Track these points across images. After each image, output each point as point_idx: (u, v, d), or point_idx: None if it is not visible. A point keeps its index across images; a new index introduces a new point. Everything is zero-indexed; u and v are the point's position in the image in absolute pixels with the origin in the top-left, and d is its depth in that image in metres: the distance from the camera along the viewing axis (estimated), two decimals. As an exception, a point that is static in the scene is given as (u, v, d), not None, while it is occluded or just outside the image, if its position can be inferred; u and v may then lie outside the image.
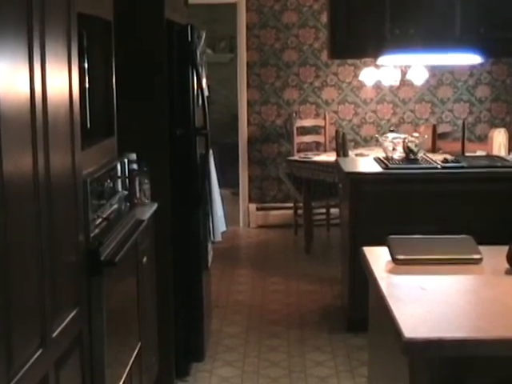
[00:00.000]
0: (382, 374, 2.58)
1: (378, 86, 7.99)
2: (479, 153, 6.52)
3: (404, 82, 7.92)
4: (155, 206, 3.81)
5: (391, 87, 8.03)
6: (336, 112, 8.10)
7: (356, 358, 4.56)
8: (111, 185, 3.20)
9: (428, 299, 2.23)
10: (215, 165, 5.15)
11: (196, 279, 4.30)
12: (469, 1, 5.33)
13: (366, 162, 5.58)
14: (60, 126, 2.44)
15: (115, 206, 3.23)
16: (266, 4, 7.99)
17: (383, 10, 5.37)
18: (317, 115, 8.08)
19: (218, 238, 4.85)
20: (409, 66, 7.65)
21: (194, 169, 4.19)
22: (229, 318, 5.32)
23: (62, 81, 2.48)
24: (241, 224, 8.19)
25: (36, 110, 2.17)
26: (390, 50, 5.41)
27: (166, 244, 4.02)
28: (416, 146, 5.22)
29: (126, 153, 3.58)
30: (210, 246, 4.63)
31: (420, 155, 5.24)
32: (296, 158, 7.20)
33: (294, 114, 7.93)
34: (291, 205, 7.69)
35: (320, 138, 7.97)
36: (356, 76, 8.00)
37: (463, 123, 6.85)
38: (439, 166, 5.04)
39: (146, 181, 3.77)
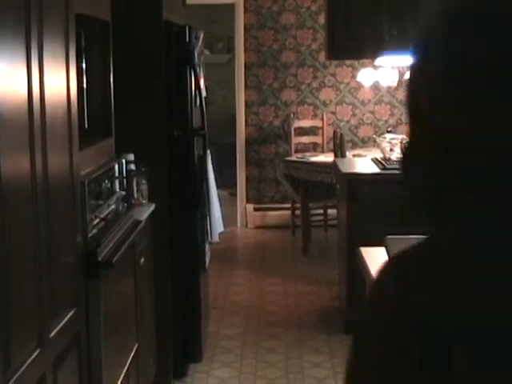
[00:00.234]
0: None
1: (375, 87, 7.99)
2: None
3: (402, 83, 7.92)
4: (153, 206, 3.81)
5: (389, 88, 8.03)
6: (334, 113, 8.10)
7: (354, 359, 4.55)
8: (109, 185, 3.20)
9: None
10: (213, 165, 5.14)
11: (194, 281, 4.29)
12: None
13: (363, 163, 5.58)
14: (58, 126, 2.44)
15: (113, 207, 3.23)
16: (263, 5, 7.98)
17: (381, 11, 5.37)
18: (314, 116, 8.08)
19: (216, 238, 4.84)
20: (407, 67, 7.65)
21: (191, 170, 4.19)
22: (226, 320, 5.31)
23: (59, 81, 2.48)
24: (238, 225, 8.17)
25: (34, 110, 2.17)
26: (388, 51, 5.41)
27: (164, 245, 4.02)
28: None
29: (123, 153, 3.58)
30: (207, 247, 4.63)
31: (418, 156, 5.23)
32: (294, 158, 7.19)
33: (292, 115, 7.93)
34: (289, 206, 7.69)
35: (318, 139, 7.97)
36: (354, 77, 8.00)
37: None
38: (437, 167, 5.04)
39: (143, 181, 3.77)
